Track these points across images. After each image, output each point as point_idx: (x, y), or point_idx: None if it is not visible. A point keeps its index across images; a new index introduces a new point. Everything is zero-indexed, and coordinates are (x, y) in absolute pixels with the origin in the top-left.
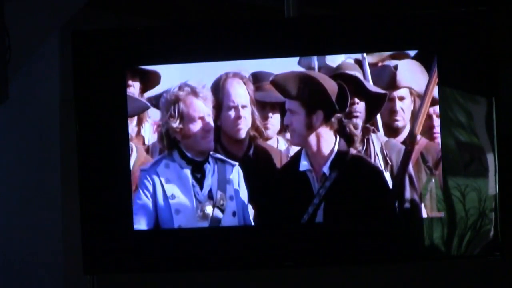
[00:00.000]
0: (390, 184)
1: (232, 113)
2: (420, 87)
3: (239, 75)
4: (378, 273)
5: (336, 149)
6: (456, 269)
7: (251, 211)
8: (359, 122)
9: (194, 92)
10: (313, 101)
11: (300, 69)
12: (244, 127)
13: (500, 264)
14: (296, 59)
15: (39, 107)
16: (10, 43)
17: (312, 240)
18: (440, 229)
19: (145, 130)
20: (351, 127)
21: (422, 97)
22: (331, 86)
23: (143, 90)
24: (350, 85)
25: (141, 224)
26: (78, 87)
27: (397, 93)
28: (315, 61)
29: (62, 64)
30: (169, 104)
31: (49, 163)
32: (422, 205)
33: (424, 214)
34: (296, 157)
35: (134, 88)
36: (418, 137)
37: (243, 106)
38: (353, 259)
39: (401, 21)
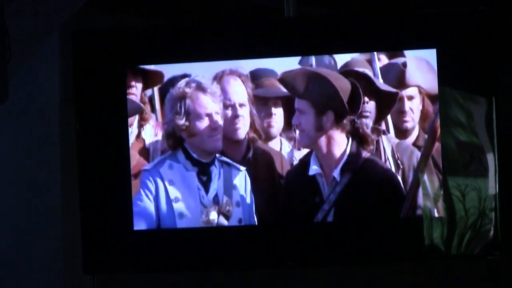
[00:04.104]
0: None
1: (229, 111)
2: (429, 85)
3: (236, 72)
4: (378, 273)
5: (348, 151)
6: (456, 269)
7: (255, 218)
8: (369, 122)
9: (201, 88)
10: (323, 101)
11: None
12: (242, 127)
13: (500, 264)
14: (296, 58)
15: (39, 107)
16: (10, 43)
17: (318, 242)
18: (440, 228)
19: (146, 133)
20: (364, 127)
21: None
22: (344, 85)
23: (145, 90)
24: (360, 83)
25: (141, 227)
26: (78, 87)
27: (405, 92)
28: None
29: (62, 64)
30: (174, 100)
31: (49, 163)
32: (435, 210)
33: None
34: (305, 161)
35: (136, 89)
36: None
37: (241, 105)
38: (354, 259)
39: (400, 21)
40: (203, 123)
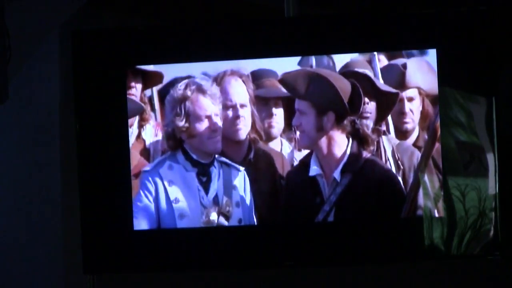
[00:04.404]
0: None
1: (230, 112)
2: (428, 86)
3: (238, 73)
4: (377, 273)
5: (348, 152)
6: (456, 269)
7: (254, 218)
8: (370, 123)
9: (201, 90)
10: (323, 101)
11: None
12: (243, 128)
13: (500, 263)
14: (297, 58)
15: (39, 107)
16: (10, 43)
17: (318, 242)
18: (440, 228)
19: (146, 133)
20: (365, 128)
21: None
22: (344, 86)
23: (144, 90)
24: (360, 84)
25: (142, 228)
26: (78, 87)
27: (405, 94)
28: (313, 61)
29: (62, 64)
30: (175, 102)
31: (49, 163)
32: (435, 210)
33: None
34: (306, 162)
35: (136, 89)
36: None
37: (242, 105)
38: (354, 259)
39: (400, 21)
40: (203, 125)
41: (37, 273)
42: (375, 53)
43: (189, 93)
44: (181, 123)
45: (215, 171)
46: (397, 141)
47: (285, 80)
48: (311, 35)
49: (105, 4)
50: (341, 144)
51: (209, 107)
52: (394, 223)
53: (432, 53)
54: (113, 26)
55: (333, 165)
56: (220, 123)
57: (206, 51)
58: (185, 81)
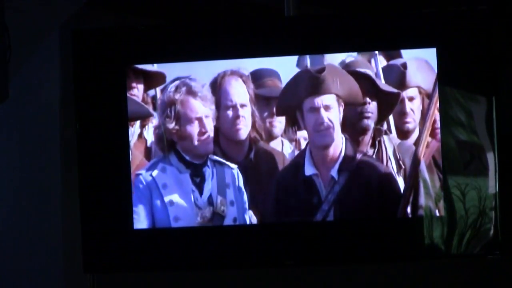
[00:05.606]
0: (402, 186)
1: (230, 112)
2: (428, 86)
3: (238, 73)
4: (377, 272)
5: (343, 151)
6: (456, 269)
7: (252, 218)
8: (371, 123)
9: (191, 92)
10: (344, 92)
11: (298, 70)
12: (243, 127)
13: (500, 263)
14: (296, 57)
15: (39, 107)
16: (11, 42)
17: (318, 241)
18: (440, 228)
19: (148, 133)
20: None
21: (431, 96)
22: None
23: (147, 91)
24: (362, 84)
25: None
26: (78, 86)
27: (406, 93)
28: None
29: (62, 63)
30: (165, 105)
31: (49, 163)
32: (435, 209)
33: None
34: (299, 162)
35: (138, 90)
36: (429, 139)
37: (242, 105)
38: (354, 259)
39: (400, 20)
40: (194, 127)
41: (37, 273)
42: (377, 52)
43: (179, 95)
44: (172, 125)
45: (208, 171)
46: (398, 141)
47: (320, 79)
48: (311, 34)
49: (105, 4)
50: (338, 142)
51: (200, 109)
52: (394, 222)
53: (432, 52)
54: (113, 25)
55: (329, 165)
56: (211, 124)
57: (206, 51)
58: (176, 83)
